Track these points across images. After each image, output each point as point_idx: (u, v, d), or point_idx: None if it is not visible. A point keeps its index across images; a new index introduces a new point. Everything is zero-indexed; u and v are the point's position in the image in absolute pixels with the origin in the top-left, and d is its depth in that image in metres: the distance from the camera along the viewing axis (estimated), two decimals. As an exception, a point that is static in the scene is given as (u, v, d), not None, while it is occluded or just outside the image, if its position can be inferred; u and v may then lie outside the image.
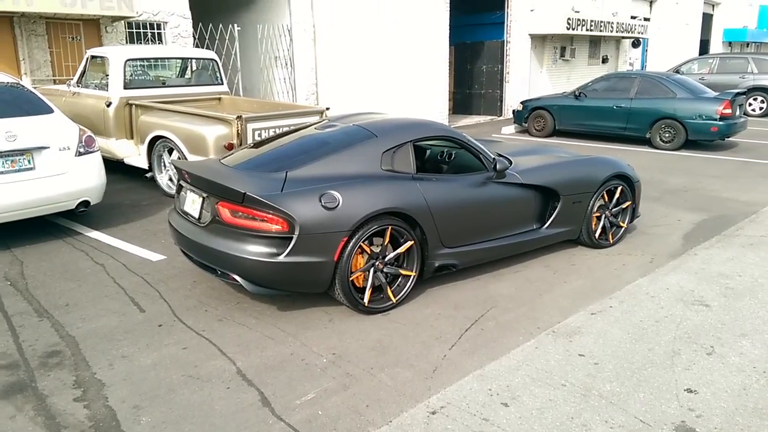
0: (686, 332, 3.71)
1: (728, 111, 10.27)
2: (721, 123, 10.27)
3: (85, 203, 5.55)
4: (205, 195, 3.93)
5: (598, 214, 5.23)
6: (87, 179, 5.49)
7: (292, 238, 3.59)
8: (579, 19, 16.78)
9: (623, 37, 20.43)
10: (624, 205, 5.41)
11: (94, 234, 5.62)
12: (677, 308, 4.06)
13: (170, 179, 7.07)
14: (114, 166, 7.65)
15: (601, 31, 17.92)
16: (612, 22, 18.34)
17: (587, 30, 17.29)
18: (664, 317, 3.92)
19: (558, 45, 17.93)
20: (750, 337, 3.64)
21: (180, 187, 4.34)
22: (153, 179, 7.21)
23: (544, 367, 3.30)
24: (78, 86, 7.86)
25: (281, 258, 3.59)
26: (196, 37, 11.08)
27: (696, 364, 3.33)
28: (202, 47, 10.97)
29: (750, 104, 16.12)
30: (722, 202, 6.97)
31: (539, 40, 17.21)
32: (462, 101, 17.36)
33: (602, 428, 2.75)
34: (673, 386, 3.10)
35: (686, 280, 4.55)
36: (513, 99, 15.89)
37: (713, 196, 7.27)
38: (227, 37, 11.24)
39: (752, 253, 5.17)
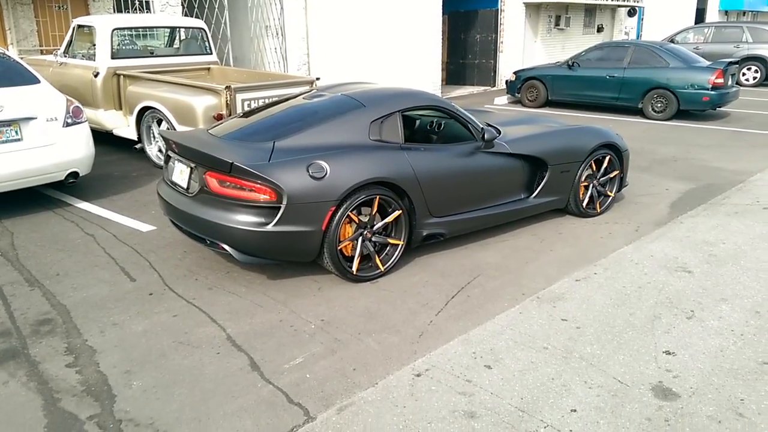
0: (668, 297, 3.79)
1: (720, 81, 10.25)
2: (713, 92, 10.26)
3: (74, 174, 5.54)
4: (193, 165, 3.94)
5: (585, 184, 5.27)
6: (75, 150, 5.47)
7: (280, 207, 3.62)
8: (574, -13, 16.56)
9: (619, 6, 20.21)
10: (612, 175, 5.44)
11: (84, 205, 5.62)
12: (660, 274, 4.13)
13: (160, 150, 7.05)
14: (103, 138, 7.61)
15: (596, -1, 17.72)
16: (607, -9, 18.13)
17: (582, -2, 17.08)
18: (646, 283, 4.00)
19: (553, 14, 17.73)
20: (730, 302, 3.72)
21: (168, 158, 4.34)
22: (142, 150, 7.18)
23: (527, 331, 3.37)
24: (65, 56, 7.76)
25: (269, 227, 3.63)
26: (185, 5, 10.90)
27: (675, 327, 3.41)
28: (191, 16, 10.81)
29: (744, 74, 16.07)
30: (711, 172, 7.01)
31: (534, 9, 17.01)
32: (455, 71, 17.21)
33: (581, 388, 2.84)
34: (652, 349, 3.19)
35: (670, 248, 4.62)
36: (507, 69, 15.77)
37: (702, 166, 7.31)
38: (216, 6, 11.07)
39: (737, 221, 5.23)
